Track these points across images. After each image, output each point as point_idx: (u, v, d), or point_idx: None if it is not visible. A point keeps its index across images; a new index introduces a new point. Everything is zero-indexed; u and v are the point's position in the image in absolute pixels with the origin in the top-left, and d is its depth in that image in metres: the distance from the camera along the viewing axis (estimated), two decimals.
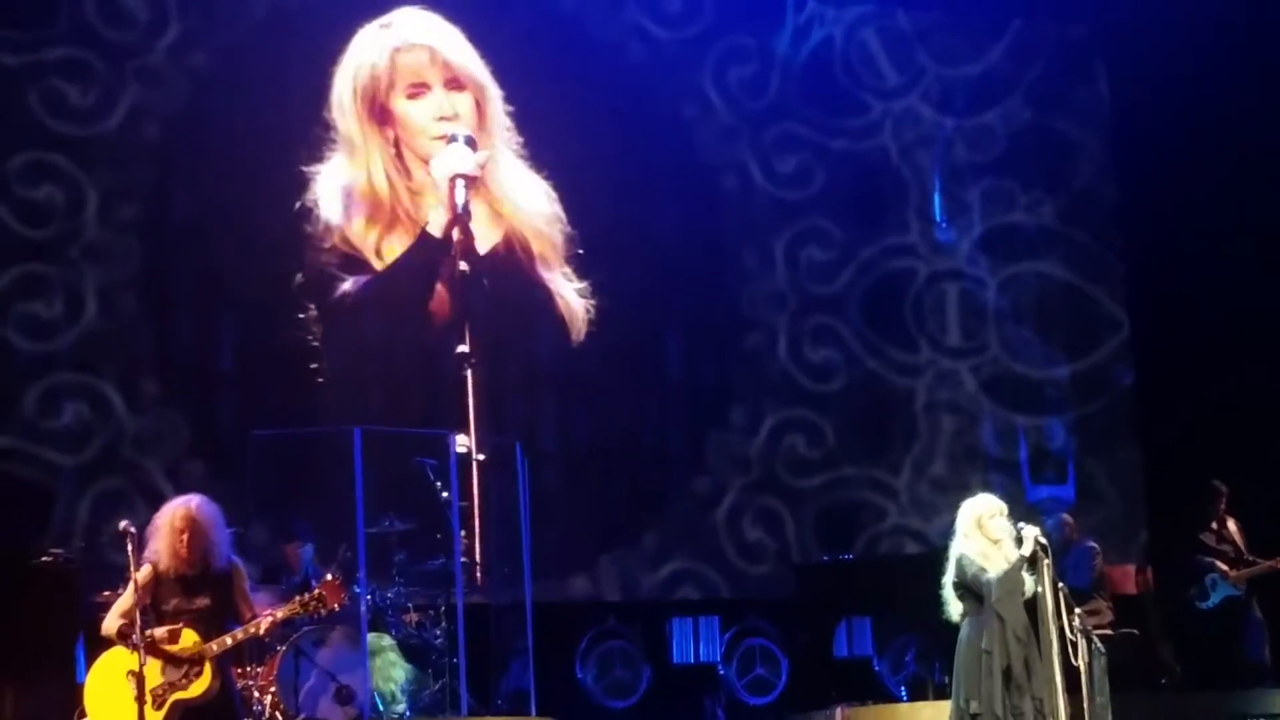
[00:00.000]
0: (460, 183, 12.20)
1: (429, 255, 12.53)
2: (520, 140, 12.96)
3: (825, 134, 14.00)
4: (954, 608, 8.96)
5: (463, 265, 12.28)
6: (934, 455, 13.74)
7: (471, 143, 12.49)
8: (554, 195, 13.00)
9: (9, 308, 11.97)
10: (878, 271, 13.96)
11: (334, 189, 12.52)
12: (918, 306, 14.00)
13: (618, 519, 13.04)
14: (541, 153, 12.99)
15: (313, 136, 12.51)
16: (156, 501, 11.60)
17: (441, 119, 12.73)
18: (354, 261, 12.50)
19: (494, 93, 12.90)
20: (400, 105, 12.78)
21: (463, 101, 12.84)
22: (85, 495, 11.80)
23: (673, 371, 13.46)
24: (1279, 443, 12.85)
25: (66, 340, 12.06)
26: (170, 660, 7.65)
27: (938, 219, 14.19)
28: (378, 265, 12.55)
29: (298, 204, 12.40)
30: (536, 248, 12.97)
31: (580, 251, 12.98)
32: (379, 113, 12.72)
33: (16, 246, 12.05)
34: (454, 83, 12.84)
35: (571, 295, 12.96)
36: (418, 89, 12.80)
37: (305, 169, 12.45)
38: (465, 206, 12.21)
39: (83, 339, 12.08)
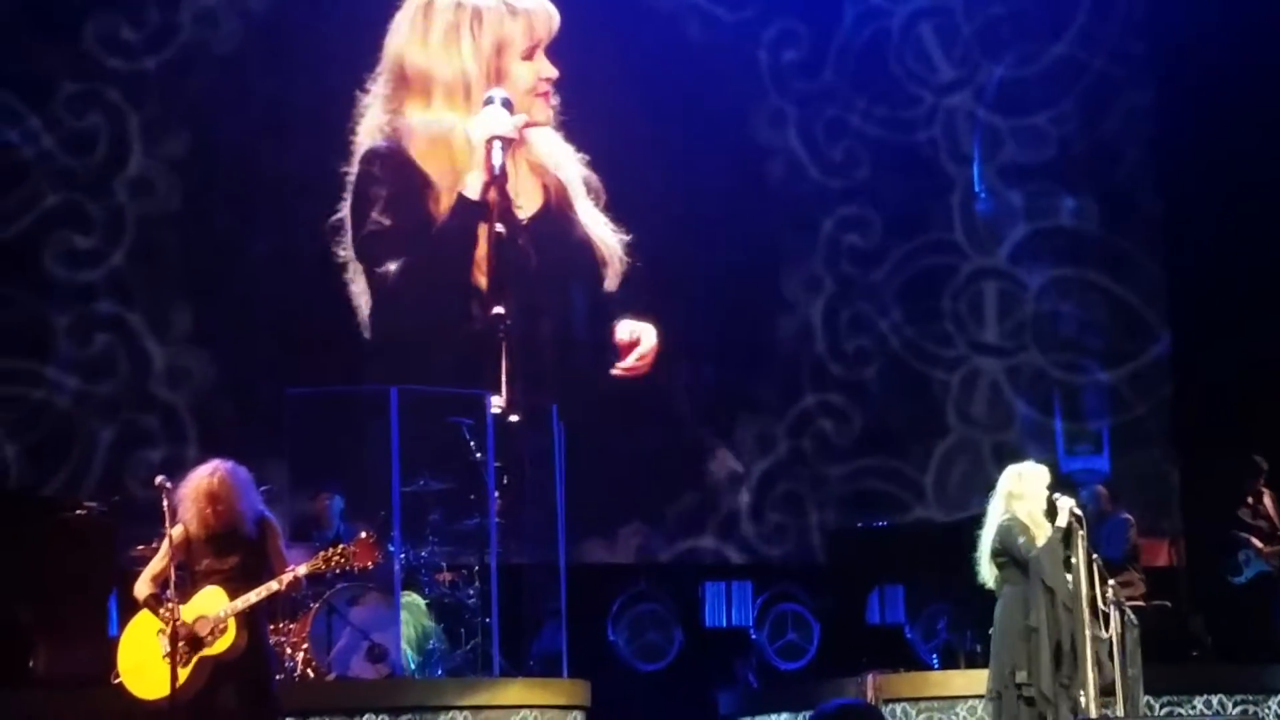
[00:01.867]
0: (498, 144, 12.19)
1: (466, 218, 12.55)
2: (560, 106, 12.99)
3: (874, 123, 13.90)
4: (988, 573, 8.91)
5: (499, 227, 12.28)
6: (963, 450, 13.65)
7: (509, 105, 12.48)
8: (588, 161, 13.04)
9: (48, 234, 12.12)
10: (918, 264, 13.86)
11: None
12: (955, 301, 13.90)
13: (651, 482, 13.04)
14: (586, 123, 13.01)
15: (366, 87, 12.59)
16: (177, 438, 11.91)
17: (543, 79, 12.85)
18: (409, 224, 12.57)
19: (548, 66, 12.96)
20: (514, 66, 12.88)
21: (526, 70, 12.90)
22: (109, 426, 11.99)
23: (706, 345, 13.40)
24: None
25: (101, 271, 12.21)
26: (193, 631, 7.65)
27: (977, 190, 14.10)
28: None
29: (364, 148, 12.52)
30: (572, 192, 12.97)
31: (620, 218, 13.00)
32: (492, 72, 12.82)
33: (58, 174, 12.22)
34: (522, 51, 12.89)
35: (609, 236, 12.96)
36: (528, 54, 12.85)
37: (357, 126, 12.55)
38: (502, 168, 12.22)
39: (118, 271, 12.25)
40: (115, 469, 11.94)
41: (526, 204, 12.89)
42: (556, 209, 12.97)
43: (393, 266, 12.57)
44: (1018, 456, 10.20)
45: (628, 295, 13.03)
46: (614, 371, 12.88)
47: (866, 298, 13.71)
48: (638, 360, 12.98)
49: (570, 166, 13.01)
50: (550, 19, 12.84)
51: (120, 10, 12.46)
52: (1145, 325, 14.14)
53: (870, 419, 13.54)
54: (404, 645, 10.10)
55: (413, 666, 10.18)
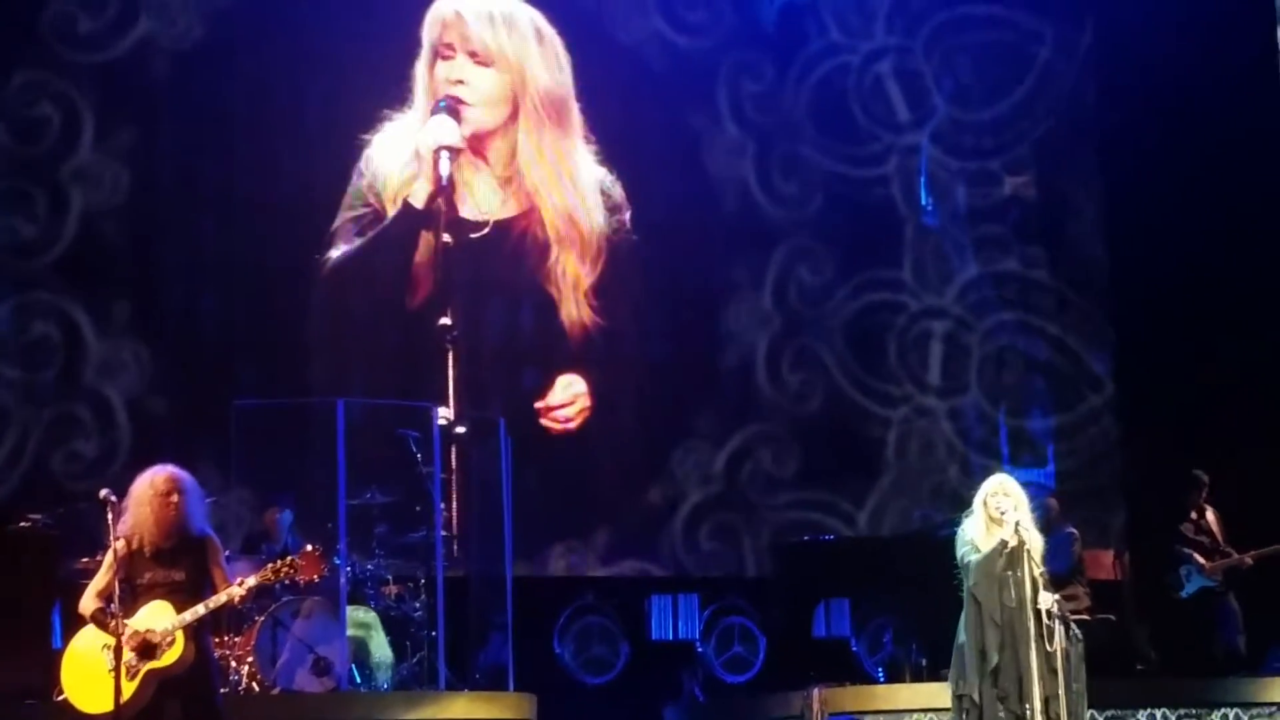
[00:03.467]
0: (445, 154, 12.19)
1: (409, 226, 12.52)
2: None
3: (830, 158, 13.94)
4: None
5: (446, 237, 12.26)
6: (901, 490, 13.67)
7: (455, 113, 12.47)
8: (610, 185, 13.06)
9: None
10: (865, 301, 13.90)
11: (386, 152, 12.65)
12: (902, 341, 13.95)
13: (598, 496, 13.06)
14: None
15: (327, 99, 12.66)
16: (109, 429, 11.82)
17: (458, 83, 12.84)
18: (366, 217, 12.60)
19: (535, 73, 12.98)
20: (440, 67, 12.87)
21: (483, 76, 12.91)
22: (41, 416, 11.93)
23: (654, 363, 13.41)
24: (1258, 434, 12.90)
25: (45, 259, 12.13)
26: (144, 639, 7.60)
27: (924, 203, 14.16)
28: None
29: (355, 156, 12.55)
30: (550, 224, 12.97)
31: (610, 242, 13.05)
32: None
33: (5, 160, 12.16)
34: (477, 55, 12.89)
35: (576, 290, 12.98)
36: (448, 50, 12.85)
37: (361, 136, 12.62)
38: (450, 178, 12.20)
39: (61, 260, 12.16)
40: (44, 458, 11.89)
41: (490, 211, 12.84)
42: (526, 222, 12.95)
43: (336, 272, 12.51)
44: (956, 495, 10.30)
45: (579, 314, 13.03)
46: (543, 421, 12.79)
47: (811, 333, 13.74)
48: (565, 418, 12.92)
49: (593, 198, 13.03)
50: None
51: (79, 1, 12.38)
52: (1091, 376, 14.25)
53: (809, 453, 13.54)
54: (382, 661, 10.11)
55: (358, 679, 10.13)
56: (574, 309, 12.97)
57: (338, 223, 12.55)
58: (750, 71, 13.83)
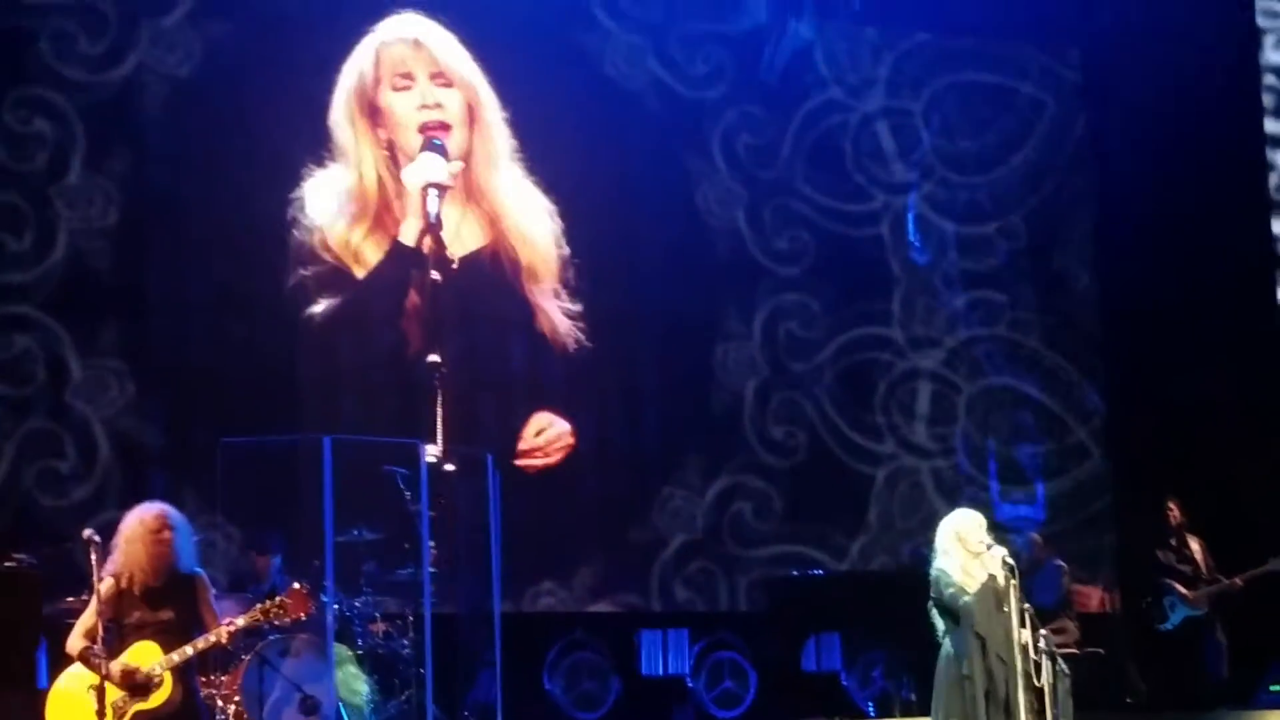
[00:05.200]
0: (433, 192, 12.05)
1: (402, 264, 12.52)
2: (520, 152, 12.99)
3: (823, 214, 13.97)
4: (939, 625, 8.92)
5: (435, 275, 12.21)
6: (880, 548, 13.65)
7: (444, 151, 12.45)
8: (554, 211, 13.02)
9: None
10: (853, 357, 13.91)
11: (326, 195, 12.56)
12: (888, 398, 13.96)
13: (587, 533, 13.03)
14: (542, 174, 13.05)
15: (315, 139, 12.56)
16: (87, 451, 11.76)
17: (424, 107, 12.76)
18: (335, 270, 12.52)
19: (487, 95, 12.94)
20: (386, 98, 12.80)
21: (450, 97, 12.88)
22: (15, 433, 11.84)
23: (642, 405, 13.41)
24: (1242, 460, 12.93)
25: (30, 275, 12.06)
26: (132, 675, 7.58)
27: (911, 239, 14.20)
28: (357, 271, 12.55)
29: (289, 209, 12.43)
30: (525, 259, 12.97)
31: (571, 273, 13.01)
32: (369, 111, 12.75)
33: None
34: (440, 77, 12.88)
35: (556, 313, 12.96)
36: (404, 80, 12.82)
37: (301, 170, 12.50)
38: (438, 216, 12.15)
39: (46, 277, 12.08)
40: (17, 476, 11.80)
41: (464, 243, 12.86)
42: (492, 258, 12.95)
43: (325, 310, 12.51)
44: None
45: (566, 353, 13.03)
46: (517, 462, 12.75)
47: (798, 385, 13.74)
48: (543, 449, 12.91)
49: (543, 227, 13.01)
50: (420, 45, 12.80)
51: (79, 22, 12.36)
52: (1081, 409, 14.30)
53: (791, 504, 13.53)
54: (361, 704, 10.05)
55: (346, 718, 10.09)
56: (566, 340, 12.96)
57: (293, 280, 12.48)
58: (748, 123, 13.86)
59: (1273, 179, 13.50)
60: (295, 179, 12.52)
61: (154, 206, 12.41)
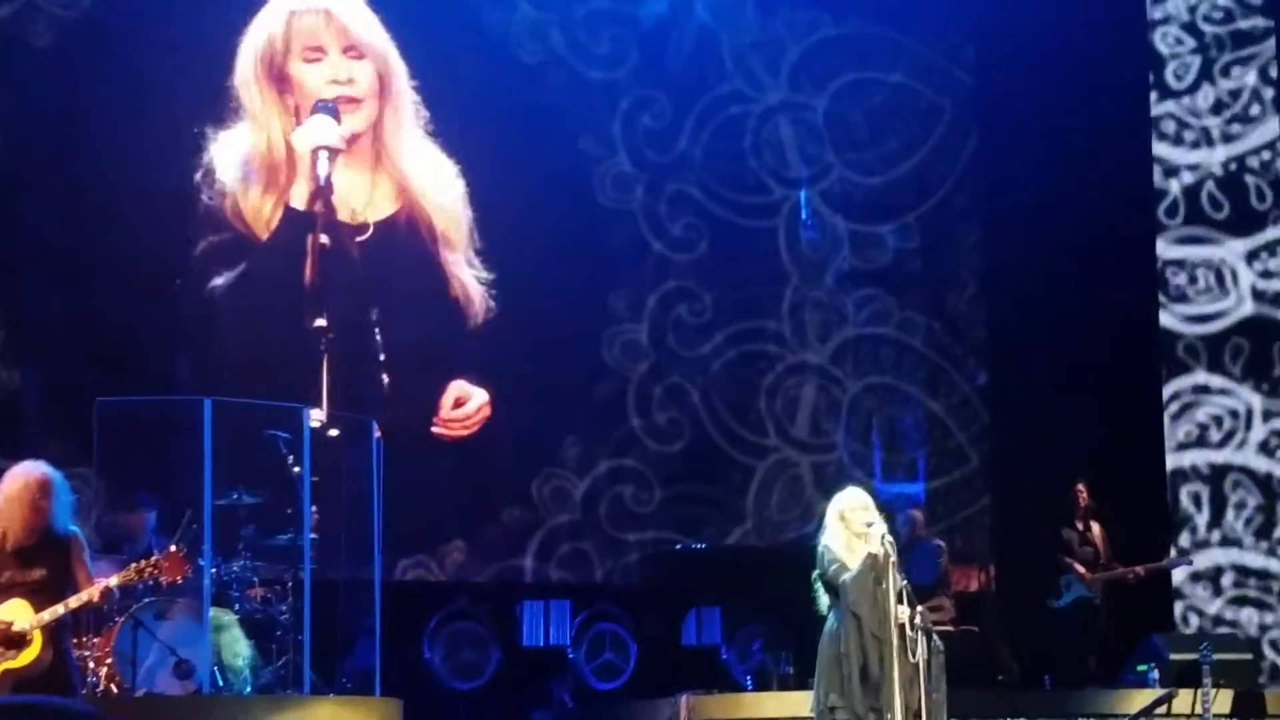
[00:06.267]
0: (323, 154, 12.02)
1: (298, 228, 12.39)
2: (429, 121, 12.92)
3: (719, 204, 14.02)
4: (823, 600, 9.00)
5: (324, 239, 12.13)
6: (756, 539, 13.69)
7: (335, 112, 12.37)
8: (462, 179, 12.97)
9: None
10: (741, 348, 13.97)
11: (233, 157, 12.46)
12: (773, 391, 14.03)
13: (470, 503, 13.00)
14: (448, 145, 13.00)
15: (214, 95, 12.39)
16: None
17: (334, 82, 12.66)
18: (240, 236, 12.43)
19: (398, 64, 12.87)
20: (296, 69, 12.70)
21: (361, 69, 12.81)
22: None
23: (530, 383, 13.35)
24: (1128, 449, 13.16)
25: None
26: (6, 631, 7.49)
27: (804, 217, 14.27)
28: (264, 235, 12.43)
29: (182, 162, 12.27)
30: (439, 225, 12.93)
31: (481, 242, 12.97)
32: (277, 78, 12.64)
33: None
34: (352, 50, 12.80)
35: (470, 280, 12.93)
36: (314, 53, 12.73)
37: (195, 127, 12.34)
38: (328, 179, 12.07)
39: None
40: None
41: (377, 209, 12.75)
42: (408, 225, 12.86)
43: (221, 279, 12.36)
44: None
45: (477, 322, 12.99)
46: (434, 429, 12.70)
47: (684, 373, 13.76)
48: (463, 420, 12.86)
49: (452, 194, 12.93)
50: (331, 18, 12.72)
51: None
52: (962, 390, 14.45)
53: (670, 491, 13.58)
54: (242, 666, 9.97)
55: (221, 683, 10.02)
56: (479, 309, 12.90)
57: (202, 246, 12.33)
58: (649, 107, 13.86)
59: (1162, 201, 13.71)
60: (190, 135, 12.35)
61: (36, 154, 12.16)
